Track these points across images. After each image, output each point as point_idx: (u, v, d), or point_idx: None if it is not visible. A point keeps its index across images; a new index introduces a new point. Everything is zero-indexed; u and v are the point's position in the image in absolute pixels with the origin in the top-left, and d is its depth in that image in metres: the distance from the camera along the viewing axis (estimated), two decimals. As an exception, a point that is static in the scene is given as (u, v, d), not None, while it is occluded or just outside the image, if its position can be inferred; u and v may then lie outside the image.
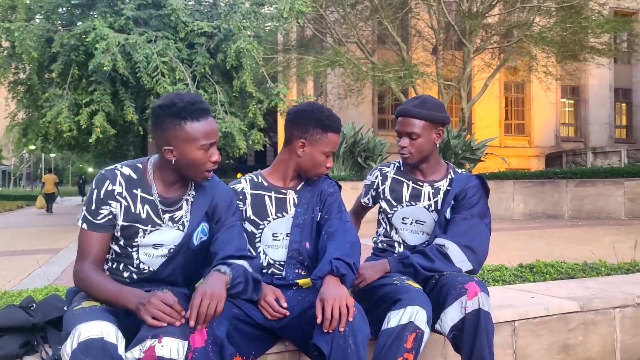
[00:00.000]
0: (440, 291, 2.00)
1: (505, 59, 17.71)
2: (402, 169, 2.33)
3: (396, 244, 2.29)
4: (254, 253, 1.98)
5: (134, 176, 1.79)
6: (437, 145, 2.23)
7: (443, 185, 2.26)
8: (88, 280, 1.71)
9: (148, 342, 1.51)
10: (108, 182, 1.76)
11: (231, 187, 2.04)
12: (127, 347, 1.55)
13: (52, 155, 49.47)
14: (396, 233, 2.30)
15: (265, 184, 2.07)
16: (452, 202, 2.22)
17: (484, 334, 1.90)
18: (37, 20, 12.21)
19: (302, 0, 12.07)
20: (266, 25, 14.05)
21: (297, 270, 2.00)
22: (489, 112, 22.33)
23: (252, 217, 2.02)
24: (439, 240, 2.14)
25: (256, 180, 2.08)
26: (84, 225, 1.76)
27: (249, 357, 1.82)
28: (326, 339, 1.67)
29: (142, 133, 13.17)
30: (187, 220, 1.82)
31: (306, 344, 1.78)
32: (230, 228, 1.85)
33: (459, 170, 2.32)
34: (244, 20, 11.69)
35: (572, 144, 23.64)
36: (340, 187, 2.15)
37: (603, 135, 24.65)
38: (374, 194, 2.38)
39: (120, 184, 1.77)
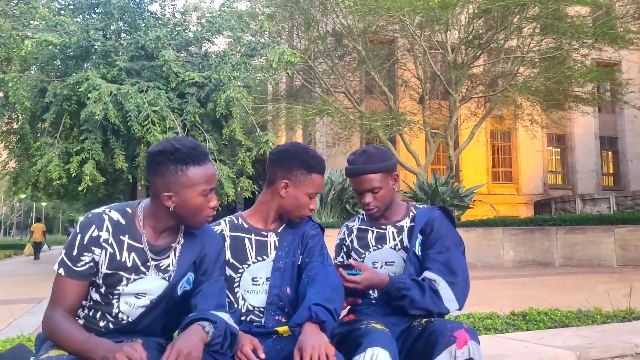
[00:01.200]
0: (428, 339, 1.92)
1: (491, 108, 18.09)
2: (365, 219, 2.35)
3: (370, 290, 2.19)
4: (234, 306, 1.90)
5: (122, 221, 1.71)
6: (395, 189, 2.25)
7: (406, 222, 2.26)
8: (57, 328, 1.62)
9: None
10: (94, 227, 1.68)
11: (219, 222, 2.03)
12: None
13: (43, 204, 49.14)
14: None
15: (246, 225, 2.00)
16: (420, 237, 2.20)
17: None
18: (32, 72, 12.37)
19: (290, 51, 12.37)
20: (256, 75, 14.32)
21: (277, 317, 1.91)
22: (477, 160, 22.61)
23: (231, 260, 1.94)
24: (429, 275, 2.10)
25: (236, 222, 2.01)
26: (61, 271, 1.66)
27: None
28: None
29: (131, 181, 13.15)
30: (173, 271, 1.73)
31: None
32: (215, 282, 1.78)
33: (420, 206, 2.34)
34: (234, 71, 11.89)
35: (560, 191, 23.86)
36: (323, 229, 2.10)
37: (590, 182, 24.94)
38: (345, 249, 2.35)
39: (107, 230, 1.68)
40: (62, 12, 12.69)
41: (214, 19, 12.80)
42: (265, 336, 1.87)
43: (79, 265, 1.66)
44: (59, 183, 11.15)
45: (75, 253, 1.66)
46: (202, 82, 11.62)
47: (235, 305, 1.92)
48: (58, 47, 11.15)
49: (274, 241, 1.98)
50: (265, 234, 1.99)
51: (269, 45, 12.60)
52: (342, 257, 2.35)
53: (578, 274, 9.69)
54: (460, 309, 2.13)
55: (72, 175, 11.00)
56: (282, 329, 1.89)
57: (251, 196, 13.30)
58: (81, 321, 1.73)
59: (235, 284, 1.95)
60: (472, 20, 15.60)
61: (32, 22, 12.95)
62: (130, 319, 1.72)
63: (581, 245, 11.63)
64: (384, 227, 2.28)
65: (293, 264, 1.96)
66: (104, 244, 1.68)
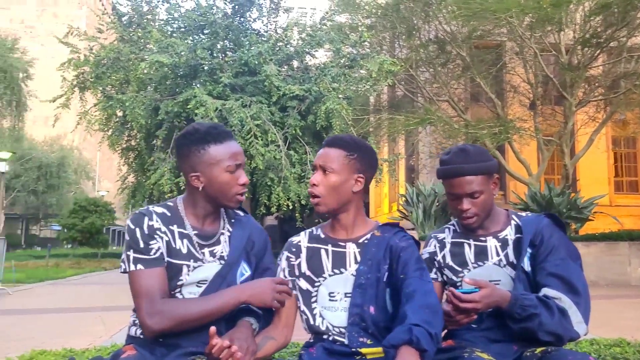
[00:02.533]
0: None
1: (613, 112, 16.60)
2: (458, 230, 2.01)
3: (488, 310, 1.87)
4: (310, 322, 1.77)
5: (168, 213, 1.74)
6: (495, 195, 1.92)
7: (509, 233, 1.91)
8: (176, 309, 1.61)
9: None
10: (146, 218, 1.71)
11: (290, 240, 1.89)
12: None
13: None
14: None
15: (322, 236, 1.84)
16: (529, 250, 1.85)
17: None
18: (147, 92, 13.27)
19: (390, 60, 12.18)
20: (356, 86, 14.30)
21: (360, 339, 1.70)
22: (596, 169, 20.90)
23: (307, 272, 1.80)
24: (550, 292, 1.75)
25: (315, 232, 1.88)
26: (139, 267, 1.64)
27: None
28: None
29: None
30: (226, 254, 1.75)
31: None
32: (266, 272, 1.81)
33: (523, 214, 1.98)
34: (334, 83, 11.94)
35: (695, 201, 21.45)
36: (417, 242, 1.83)
37: None
38: (437, 266, 2.00)
39: (157, 221, 1.71)
40: (174, 34, 13.50)
41: (314, 33, 12.98)
42: (348, 356, 1.69)
43: (151, 253, 1.66)
44: (170, 196, 11.75)
45: (142, 245, 1.67)
46: (302, 95, 11.77)
47: (312, 322, 1.76)
48: (169, 67, 11.84)
49: (354, 252, 1.78)
50: (344, 244, 1.79)
51: (369, 56, 12.53)
52: (436, 274, 2.02)
53: None
54: (586, 333, 1.78)
55: (182, 189, 11.55)
56: (366, 350, 1.69)
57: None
58: None
59: (313, 299, 1.78)
60: (589, 17, 14.44)
61: (147, 45, 13.91)
62: None
63: None
64: (483, 239, 1.94)
65: (378, 280, 1.73)
66: (159, 232, 1.70)
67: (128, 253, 1.67)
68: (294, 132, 11.78)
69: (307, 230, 1.90)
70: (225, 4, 13.53)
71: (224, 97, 11.66)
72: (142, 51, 13.41)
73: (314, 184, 1.75)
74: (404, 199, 12.59)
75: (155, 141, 13.04)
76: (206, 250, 1.73)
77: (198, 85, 11.93)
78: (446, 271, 1.97)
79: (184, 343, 1.66)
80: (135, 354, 1.60)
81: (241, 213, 1.87)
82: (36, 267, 17.46)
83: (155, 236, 1.69)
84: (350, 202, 1.77)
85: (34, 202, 43.17)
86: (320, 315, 1.75)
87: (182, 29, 13.87)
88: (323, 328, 1.74)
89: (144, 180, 13.65)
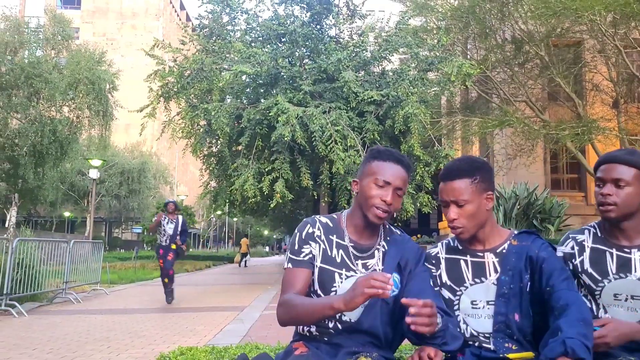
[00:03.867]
0: None
1: None
2: (599, 234, 1.98)
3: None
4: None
5: (331, 224, 1.99)
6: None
7: None
8: (293, 303, 1.80)
9: None
10: (309, 225, 1.98)
11: (429, 252, 2.04)
12: None
13: (235, 219, 54.06)
14: (605, 313, 1.91)
15: (460, 247, 1.96)
16: None
17: None
18: (228, 100, 13.81)
19: (469, 62, 12.12)
20: (432, 89, 14.26)
21: (507, 345, 1.82)
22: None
23: (448, 282, 1.94)
24: None
25: (452, 244, 2.00)
26: (289, 265, 1.93)
27: None
28: None
29: (315, 197, 13.89)
30: (379, 269, 1.91)
31: None
32: (422, 278, 1.89)
33: None
34: (411, 87, 12.01)
35: None
36: (554, 247, 1.91)
37: None
38: (570, 267, 1.98)
39: (319, 229, 1.97)
40: (253, 44, 13.99)
41: (390, 38, 13.09)
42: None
43: (301, 255, 1.93)
44: (254, 201, 12.21)
45: (297, 247, 1.95)
46: (380, 100, 11.93)
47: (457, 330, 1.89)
48: (251, 76, 12.32)
49: (493, 262, 1.89)
50: (482, 254, 1.91)
51: (446, 59, 12.50)
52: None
53: None
54: None
55: (265, 193, 11.97)
56: (512, 355, 1.82)
57: (430, 212, 13.21)
58: (313, 328, 1.92)
59: (455, 307, 1.92)
60: (678, 11, 13.75)
61: (227, 55, 14.47)
62: (353, 320, 1.87)
63: None
64: (627, 250, 1.90)
65: (521, 290, 1.83)
66: (317, 239, 1.95)
67: (287, 253, 1.99)
68: (372, 136, 11.96)
69: (444, 242, 2.04)
70: (303, 12, 13.87)
71: (304, 104, 12.00)
72: (223, 61, 13.97)
73: (454, 219, 1.86)
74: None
75: (237, 148, 13.56)
76: (360, 262, 1.92)
77: (279, 92, 12.32)
78: (584, 277, 1.95)
79: (345, 343, 1.88)
80: (309, 352, 1.84)
81: (398, 232, 2.03)
82: (124, 269, 18.54)
83: (310, 242, 1.94)
84: (486, 220, 1.90)
85: (116, 206, 45.56)
86: (465, 322, 1.89)
87: (261, 39, 14.32)
88: (467, 335, 1.88)
89: (226, 185, 14.21)
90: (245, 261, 27.51)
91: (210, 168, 15.81)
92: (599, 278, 1.92)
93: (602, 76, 16.40)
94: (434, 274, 1.97)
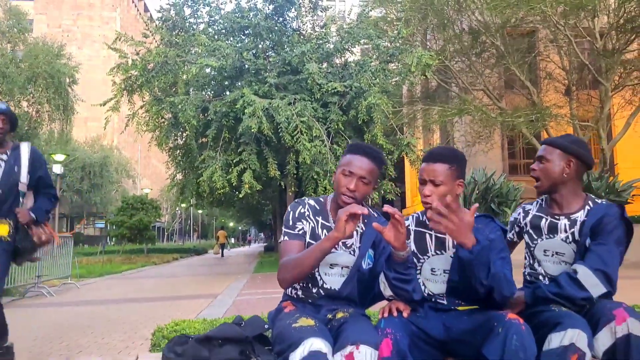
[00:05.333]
0: (591, 318, 2.09)
1: (649, 95, 16.62)
2: (543, 205, 2.49)
3: (540, 277, 2.42)
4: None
5: (317, 207, 2.33)
6: (565, 176, 2.36)
7: (580, 216, 2.35)
8: (292, 258, 2.13)
9: (348, 349, 1.88)
10: (300, 206, 2.32)
11: None
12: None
13: (199, 211, 53.93)
14: (539, 265, 2.43)
15: (428, 222, 2.29)
16: (589, 233, 2.29)
17: (636, 357, 1.96)
18: (192, 93, 13.90)
19: (429, 54, 12.56)
20: (393, 80, 14.67)
21: (457, 301, 2.22)
22: (635, 152, 20.78)
23: (415, 251, 2.29)
24: (573, 266, 2.24)
25: (421, 218, 2.37)
26: (286, 238, 2.25)
27: None
28: (496, 352, 1.87)
29: (282, 187, 14.16)
30: (357, 247, 2.26)
31: (474, 358, 2.02)
32: (383, 255, 2.22)
33: (599, 201, 2.40)
34: (373, 78, 12.37)
35: None
36: (505, 231, 2.27)
37: None
38: (516, 229, 2.57)
39: (308, 209, 2.31)
40: (217, 36, 14.10)
41: (351, 30, 13.41)
42: (447, 311, 2.23)
43: (296, 230, 2.27)
44: (222, 192, 12.40)
45: (291, 223, 2.28)
46: (343, 91, 12.26)
47: None
48: (216, 69, 12.46)
49: (452, 239, 2.22)
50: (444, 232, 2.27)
51: (406, 50, 12.90)
52: (513, 235, 2.59)
53: None
54: (611, 294, 2.22)
55: (233, 184, 12.18)
56: (461, 307, 2.22)
57: (394, 199, 13.67)
58: (299, 292, 2.31)
59: (417, 272, 2.29)
60: (624, 2, 14.51)
61: (191, 48, 14.53)
62: (335, 288, 2.26)
63: None
64: (557, 217, 2.40)
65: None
66: (308, 218, 2.29)
67: (282, 228, 2.33)
68: (336, 127, 12.29)
69: (414, 215, 2.40)
70: (265, 5, 14.04)
71: (270, 96, 12.22)
72: (187, 54, 14.04)
73: (427, 195, 2.18)
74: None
75: (204, 140, 13.69)
76: (340, 242, 2.20)
77: (244, 85, 12.51)
78: (525, 236, 2.51)
79: (327, 305, 2.27)
80: (295, 308, 2.25)
81: (375, 214, 2.39)
82: (91, 264, 18.45)
83: (302, 219, 2.29)
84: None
85: (78, 201, 44.75)
86: (423, 285, 2.28)
87: (224, 31, 14.43)
88: (425, 294, 2.27)
89: (193, 178, 14.33)
90: (223, 251, 29.40)
91: (177, 161, 15.88)
92: (535, 237, 2.46)
93: (555, 65, 17.14)
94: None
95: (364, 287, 2.27)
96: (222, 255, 29.20)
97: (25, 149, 3.50)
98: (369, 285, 2.27)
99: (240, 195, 12.33)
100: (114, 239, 31.25)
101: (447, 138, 20.43)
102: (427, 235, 2.31)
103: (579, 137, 2.53)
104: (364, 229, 2.30)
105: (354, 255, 2.27)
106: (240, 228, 79.59)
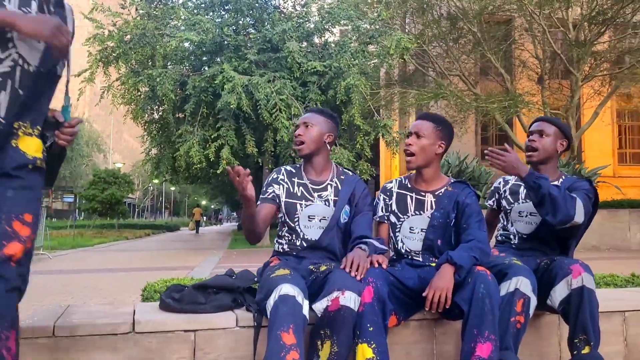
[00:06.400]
0: (550, 273, 2.38)
1: (617, 86, 17.15)
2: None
3: (512, 236, 2.73)
4: (397, 246, 2.54)
5: (293, 170, 2.59)
6: (557, 152, 2.68)
7: (557, 184, 2.64)
8: (243, 220, 2.46)
9: (334, 294, 2.08)
10: (275, 173, 2.59)
11: (385, 185, 2.64)
12: (314, 300, 2.14)
13: (172, 188, 53.45)
14: (512, 225, 2.73)
15: (409, 185, 2.56)
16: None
17: (587, 306, 2.25)
18: (170, 67, 13.82)
19: (407, 37, 12.74)
20: (372, 62, 14.83)
21: (431, 259, 2.46)
22: (601, 141, 21.49)
23: (396, 210, 2.55)
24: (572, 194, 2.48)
25: (403, 182, 2.61)
26: (258, 202, 2.50)
27: (400, 317, 2.33)
28: (465, 299, 2.12)
29: (260, 164, 14.24)
30: (332, 200, 2.49)
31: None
32: (364, 216, 2.50)
33: (573, 177, 2.73)
34: (353, 59, 12.51)
35: (697, 173, 22.00)
36: (478, 196, 2.54)
37: None
38: (497, 196, 2.83)
39: (283, 174, 2.57)
40: (196, 10, 14.00)
41: (332, 10, 13.48)
42: (422, 267, 2.46)
43: (266, 194, 2.54)
44: (199, 167, 12.45)
45: (264, 189, 2.56)
46: (322, 70, 12.36)
47: (396, 246, 2.55)
48: (195, 44, 12.42)
49: (431, 201, 2.48)
50: (424, 194, 2.50)
51: (386, 33, 13.05)
52: (493, 202, 2.86)
53: None
54: (581, 222, 2.46)
55: (210, 160, 12.23)
56: (434, 264, 2.43)
57: (369, 179, 13.91)
58: (285, 246, 2.56)
59: (397, 230, 2.54)
60: (597, -6, 14.92)
61: (170, 21, 14.39)
62: (314, 238, 2.47)
63: None
64: None
65: (446, 224, 2.44)
66: (281, 182, 2.55)
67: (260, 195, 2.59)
68: (314, 105, 12.41)
69: (398, 179, 2.64)
70: (246, -20, 13.96)
71: (249, 73, 12.26)
72: (166, 27, 13.91)
73: (410, 144, 2.46)
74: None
75: (181, 115, 13.66)
76: (316, 194, 2.50)
77: (224, 61, 12.49)
78: (503, 201, 2.79)
79: (309, 256, 2.48)
80: (279, 262, 2.48)
81: (350, 172, 2.63)
82: (62, 236, 18.32)
83: (274, 184, 2.55)
84: (433, 161, 2.50)
85: (47, 174, 43.86)
86: (402, 242, 2.53)
87: (204, 5, 14.33)
88: (403, 251, 2.52)
89: (169, 152, 14.30)
90: (198, 228, 30.18)
91: (152, 135, 15.76)
92: (512, 201, 2.75)
93: (529, 53, 17.52)
94: (387, 202, 2.58)
95: (342, 239, 2.51)
96: (197, 232, 29.54)
97: None
98: (346, 238, 2.52)
99: (218, 171, 12.40)
100: (83, 213, 30.91)
101: (422, 122, 20.71)
102: (408, 197, 2.54)
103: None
104: (339, 184, 2.53)
105: (329, 206, 2.49)
106: (213, 207, 79.24)
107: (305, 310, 2.07)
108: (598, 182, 12.88)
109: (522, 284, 2.23)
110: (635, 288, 3.41)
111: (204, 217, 45.58)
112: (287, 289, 2.07)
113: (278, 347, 1.94)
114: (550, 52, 16.99)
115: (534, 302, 2.25)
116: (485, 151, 2.49)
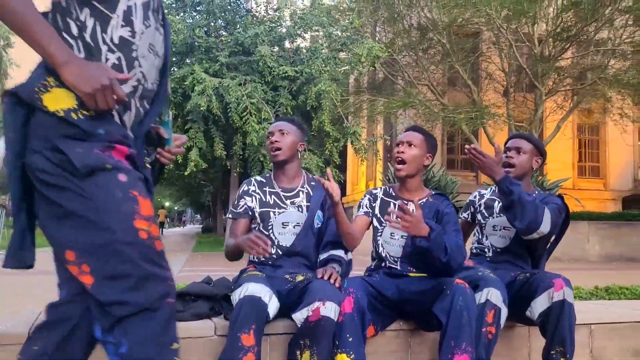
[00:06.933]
0: (531, 285, 2.44)
1: (579, 102, 17.69)
2: (497, 191, 2.76)
3: (486, 249, 2.78)
4: (378, 250, 2.57)
5: (264, 180, 2.62)
6: (532, 169, 2.75)
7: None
8: (228, 246, 2.46)
9: (315, 304, 2.08)
10: (245, 185, 2.61)
11: (370, 189, 2.72)
12: (294, 310, 2.14)
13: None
14: (486, 239, 2.79)
15: (394, 193, 2.63)
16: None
17: (567, 319, 2.32)
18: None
19: (379, 46, 12.87)
20: (343, 68, 14.92)
21: (409, 268, 2.49)
22: (563, 154, 22.11)
23: (379, 215, 2.61)
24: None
25: (388, 190, 2.67)
26: (229, 216, 2.57)
27: (377, 327, 2.36)
28: (444, 311, 2.16)
29: (228, 167, 14.15)
30: (305, 205, 2.52)
31: (424, 317, 2.31)
32: (331, 219, 2.50)
33: (544, 193, 2.83)
34: (324, 65, 12.57)
35: (651, 187, 22.88)
36: (457, 209, 2.60)
37: (685, 179, 23.67)
38: (471, 209, 2.89)
39: (254, 185, 2.60)
40: (167, 10, 13.84)
41: (305, 16, 13.52)
42: (400, 276, 2.49)
43: (238, 208, 2.56)
44: (167, 168, 12.26)
45: (236, 202, 2.58)
46: (294, 75, 12.38)
47: (377, 249, 2.58)
48: (165, 44, 12.25)
49: (413, 210, 2.48)
50: (407, 202, 2.53)
51: (357, 40, 13.16)
52: (467, 215, 2.91)
53: (667, 269, 9.60)
54: (547, 232, 2.50)
55: (178, 161, 12.09)
56: (412, 274, 2.49)
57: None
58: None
59: (379, 234, 2.59)
60: (561, 12, 15.37)
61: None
62: (288, 244, 2.48)
63: (672, 242, 11.40)
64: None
65: None
66: (253, 193, 2.57)
67: (230, 207, 2.64)
68: (285, 111, 12.42)
69: (383, 188, 2.71)
70: (219, -18, 13.88)
71: (220, 75, 12.18)
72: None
73: (402, 152, 2.51)
74: (386, 177, 13.38)
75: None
76: (288, 201, 2.53)
77: (194, 62, 12.39)
78: (478, 215, 2.85)
79: (285, 264, 2.48)
80: (255, 269, 2.47)
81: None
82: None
83: (245, 197, 2.57)
84: (419, 171, 2.57)
85: (4, 172, 42.50)
86: (382, 246, 2.57)
87: (174, 5, 14.19)
88: (383, 255, 2.55)
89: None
90: (162, 230, 30.15)
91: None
92: (487, 215, 2.82)
93: (496, 66, 17.91)
94: (372, 204, 2.64)
95: (315, 244, 2.54)
96: (162, 233, 29.25)
97: None
98: (320, 243, 2.56)
99: (186, 173, 12.26)
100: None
101: (391, 129, 20.94)
102: (392, 204, 2.60)
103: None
104: (311, 191, 2.56)
105: (302, 212, 2.51)
106: (176, 208, 78.13)
107: (271, 309, 2.12)
108: (559, 194, 13.22)
109: (493, 295, 2.27)
110: (599, 301, 3.52)
111: (167, 219, 44.95)
112: (253, 288, 2.10)
113: (236, 348, 1.99)
114: (516, 65, 17.40)
115: (504, 313, 2.30)
116: (467, 147, 2.52)
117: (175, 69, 13.12)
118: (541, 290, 2.38)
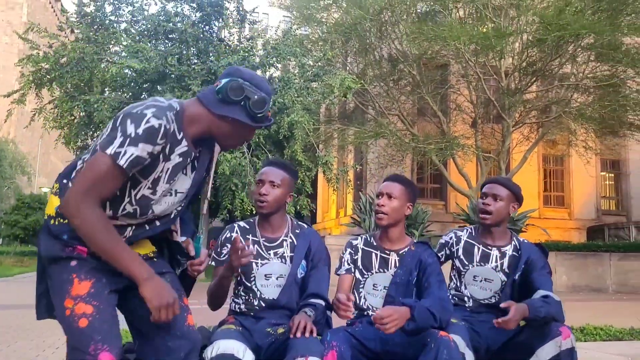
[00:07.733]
0: (533, 332, 2.42)
1: (544, 133, 18.19)
2: (473, 234, 2.80)
3: (466, 298, 2.71)
4: (358, 303, 2.51)
5: (247, 227, 2.52)
6: (510, 215, 2.72)
7: (509, 250, 2.71)
8: (210, 290, 2.42)
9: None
10: (227, 231, 2.52)
11: (350, 241, 2.65)
12: None
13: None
14: (465, 288, 2.72)
15: (375, 243, 2.59)
16: (523, 267, 2.64)
17: None
18: (107, 94, 13.42)
19: (351, 77, 13.02)
20: (315, 98, 15.01)
21: None
22: (529, 184, 22.53)
23: (360, 267, 2.57)
24: (544, 292, 2.48)
25: (369, 239, 2.63)
26: (213, 263, 2.47)
27: None
28: None
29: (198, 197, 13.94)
30: (288, 256, 2.43)
31: None
32: (319, 270, 2.45)
33: (521, 239, 2.78)
34: (297, 95, 12.61)
35: (613, 217, 23.47)
36: (439, 258, 2.59)
37: (646, 209, 24.40)
38: (446, 251, 2.81)
39: (237, 232, 2.50)
40: (139, 37, 13.72)
41: (277, 46, 13.59)
42: None
43: (221, 256, 2.48)
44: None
45: (219, 250, 2.50)
46: (267, 105, 12.37)
47: (358, 302, 2.53)
48: (137, 72, 12.13)
49: (395, 260, 2.53)
50: (388, 253, 2.55)
51: (330, 71, 13.28)
52: (442, 255, 2.82)
53: (632, 300, 9.79)
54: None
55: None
56: None
57: (308, 215, 13.90)
58: (242, 305, 2.46)
59: (361, 286, 2.56)
60: (527, 48, 15.88)
61: (111, 47, 14.04)
62: (273, 297, 2.40)
63: (635, 273, 11.67)
64: (489, 247, 2.72)
65: (408, 282, 2.48)
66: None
67: (212, 253, 2.50)
68: (257, 140, 12.37)
69: (364, 236, 2.66)
70: (192, 12, 13.90)
71: (192, 104, 12.08)
72: (106, 53, 13.55)
73: (382, 205, 2.49)
74: (358, 206, 13.41)
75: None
76: (271, 252, 2.44)
77: (166, 90, 12.27)
78: (456, 261, 2.75)
79: (267, 316, 2.40)
80: (234, 321, 2.41)
81: (305, 226, 2.59)
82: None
83: (228, 244, 2.47)
84: (400, 221, 2.55)
85: (-37, 196, 41.12)
86: (364, 298, 2.54)
87: (146, 33, 14.08)
88: (365, 306, 2.52)
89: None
90: None
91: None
92: (467, 263, 2.74)
93: (464, 98, 18.31)
94: (354, 257, 2.59)
95: (300, 296, 2.46)
96: None
97: None
98: (303, 292, 2.47)
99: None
100: (4, 239, 29.05)
101: (361, 159, 21.08)
102: (373, 254, 2.58)
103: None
104: (295, 240, 2.48)
105: (285, 263, 2.44)
106: (142, 234, 76.46)
107: None
108: (527, 224, 13.45)
109: (457, 341, 2.24)
110: (577, 343, 3.52)
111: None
112: (225, 345, 2.05)
113: None
114: (484, 98, 17.82)
115: (470, 357, 2.28)
116: (494, 322, 2.32)
117: (146, 96, 12.99)
118: (549, 338, 2.36)
